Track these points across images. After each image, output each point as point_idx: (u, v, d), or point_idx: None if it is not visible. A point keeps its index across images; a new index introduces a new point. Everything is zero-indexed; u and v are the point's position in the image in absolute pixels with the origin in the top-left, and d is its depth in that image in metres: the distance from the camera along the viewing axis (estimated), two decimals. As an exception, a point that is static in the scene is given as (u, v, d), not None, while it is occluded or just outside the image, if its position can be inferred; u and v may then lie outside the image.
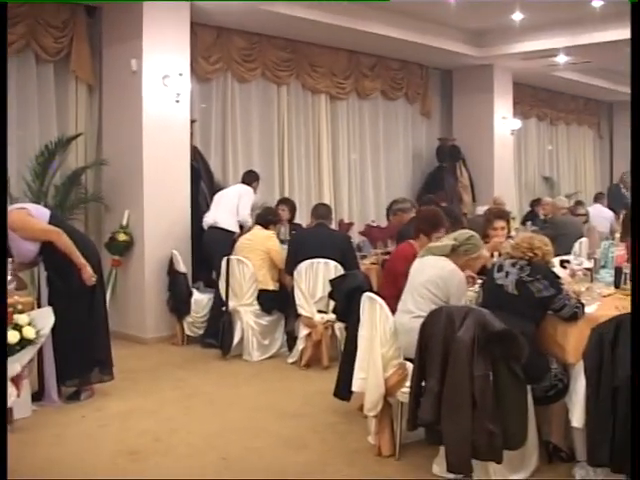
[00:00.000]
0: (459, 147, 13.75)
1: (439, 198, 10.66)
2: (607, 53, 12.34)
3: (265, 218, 8.32)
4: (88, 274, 6.13)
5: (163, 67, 8.55)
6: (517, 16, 10.66)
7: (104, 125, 9.01)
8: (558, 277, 4.96)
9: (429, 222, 6.13)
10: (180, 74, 8.61)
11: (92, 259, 6.28)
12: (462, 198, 13.70)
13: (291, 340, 8.07)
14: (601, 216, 12.56)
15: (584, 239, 10.18)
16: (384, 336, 4.95)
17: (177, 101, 8.65)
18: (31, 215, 6.06)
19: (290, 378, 7.20)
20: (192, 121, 9.19)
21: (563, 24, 11.33)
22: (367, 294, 5.20)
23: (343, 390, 5.79)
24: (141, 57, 8.41)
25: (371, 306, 5.09)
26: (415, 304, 5.08)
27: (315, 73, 11.51)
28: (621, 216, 12.79)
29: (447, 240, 5.38)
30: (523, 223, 11.93)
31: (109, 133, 8.93)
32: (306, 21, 9.84)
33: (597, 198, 13.95)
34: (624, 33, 10.89)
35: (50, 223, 6.10)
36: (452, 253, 5.23)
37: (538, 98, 16.36)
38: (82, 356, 6.21)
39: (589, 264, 6.57)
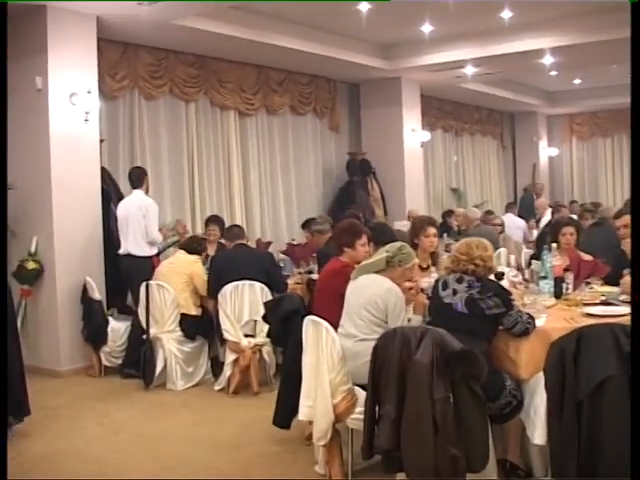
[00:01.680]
0: (369, 161, 13.65)
1: (358, 212, 10.52)
2: (514, 64, 12.54)
3: (190, 247, 8.00)
4: None
5: (70, 85, 8.14)
6: (426, 28, 10.63)
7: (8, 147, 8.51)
8: (509, 293, 4.80)
9: (349, 233, 5.96)
10: (88, 92, 8.20)
11: None
12: (374, 212, 13.59)
13: (216, 366, 7.76)
14: (515, 226, 12.59)
15: (502, 249, 10.13)
16: (331, 361, 4.71)
17: (86, 120, 8.23)
18: None
19: (220, 406, 6.86)
20: (100, 141, 8.77)
21: (471, 36, 11.40)
22: (310, 317, 4.94)
23: (282, 418, 5.57)
24: (46, 74, 7.97)
25: (315, 330, 4.84)
26: (356, 327, 4.90)
27: (223, 89, 11.25)
28: (532, 224, 12.95)
29: (379, 255, 5.20)
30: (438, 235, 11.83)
31: (13, 155, 8.35)
32: (214, 35, 9.57)
33: (508, 207, 14.05)
34: (532, 44, 11.05)
35: None
36: (387, 267, 5.08)
37: (443, 110, 16.49)
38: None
39: (520, 275, 6.49)
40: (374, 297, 4.87)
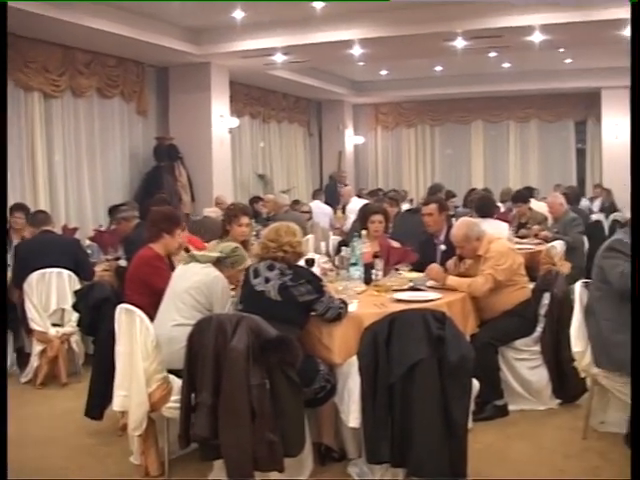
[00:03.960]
0: (177, 146, 13.57)
1: (168, 197, 10.45)
2: (323, 53, 12.76)
3: None
4: None
5: None
6: (238, 14, 10.65)
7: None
8: (321, 280, 4.89)
9: (170, 220, 5.82)
10: None
11: None
12: (181, 197, 13.52)
13: (22, 358, 7.47)
14: (322, 212, 12.83)
15: (310, 236, 10.31)
16: (145, 350, 4.65)
17: None
18: None
19: (28, 400, 6.62)
20: None
21: (282, 24, 11.53)
22: (123, 306, 4.86)
23: (95, 409, 5.46)
24: None
25: (129, 319, 4.76)
26: (177, 311, 4.84)
27: (27, 69, 10.83)
28: (338, 212, 13.23)
29: (213, 252, 5.21)
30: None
31: None
32: (17, 12, 9.14)
33: (315, 194, 14.30)
34: (341, 34, 11.30)
35: None
36: (218, 264, 5.05)
37: (251, 96, 16.60)
38: None
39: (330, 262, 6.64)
40: (199, 283, 4.85)
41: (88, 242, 9.14)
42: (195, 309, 4.79)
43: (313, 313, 4.74)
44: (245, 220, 6.75)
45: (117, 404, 4.84)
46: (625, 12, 10.07)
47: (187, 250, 6.17)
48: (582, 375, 5.28)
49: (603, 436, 5.18)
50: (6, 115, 5.18)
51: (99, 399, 5.38)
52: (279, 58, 12.78)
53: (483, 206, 8.58)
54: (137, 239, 6.84)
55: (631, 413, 3.69)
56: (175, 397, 4.58)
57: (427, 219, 7.07)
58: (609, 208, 14.76)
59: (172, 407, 4.58)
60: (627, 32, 10.84)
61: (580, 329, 5.09)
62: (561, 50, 14.03)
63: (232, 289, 5.14)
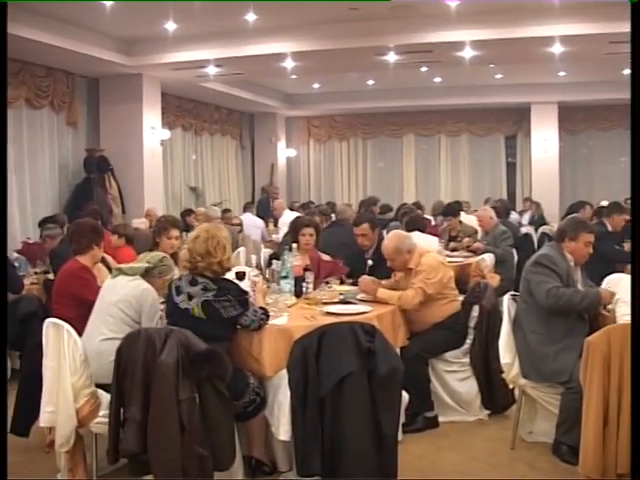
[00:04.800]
0: (107, 158, 13.43)
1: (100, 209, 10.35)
2: (256, 66, 12.76)
3: None
4: None
5: None
6: (170, 26, 10.59)
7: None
8: (245, 293, 4.82)
9: (98, 232, 5.91)
10: None
11: None
12: (112, 210, 13.37)
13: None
14: (253, 225, 12.80)
15: (241, 249, 10.27)
16: (74, 364, 4.56)
17: None
18: None
19: (-50, 415, 6.47)
20: None
21: (215, 36, 11.52)
22: (51, 320, 4.76)
23: (21, 425, 5.31)
24: None
25: (56, 333, 4.67)
26: (105, 325, 4.78)
27: (-48, 78, 10.61)
28: (270, 225, 13.23)
29: (140, 263, 5.16)
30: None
31: None
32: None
33: (247, 207, 14.27)
34: (274, 47, 11.33)
35: None
36: (146, 275, 5.00)
37: (183, 108, 16.55)
38: None
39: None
40: (129, 296, 4.80)
41: (16, 255, 8.96)
42: (124, 322, 4.74)
43: (239, 327, 4.72)
44: (175, 233, 6.71)
45: (44, 420, 4.71)
46: (553, 30, 10.30)
47: (104, 261, 6.18)
48: (510, 386, 5.37)
49: (531, 446, 5.26)
50: (6, 117, 5.08)
51: (25, 415, 5.25)
52: (211, 70, 12.77)
53: (411, 220, 8.76)
54: (63, 253, 6.77)
55: (632, 413, 3.72)
56: (104, 412, 4.50)
57: (361, 240, 6.97)
58: (538, 221, 14.99)
59: (101, 422, 4.50)
60: (555, 49, 11.07)
61: (508, 341, 5.17)
62: (491, 66, 14.26)
63: (162, 302, 5.09)
